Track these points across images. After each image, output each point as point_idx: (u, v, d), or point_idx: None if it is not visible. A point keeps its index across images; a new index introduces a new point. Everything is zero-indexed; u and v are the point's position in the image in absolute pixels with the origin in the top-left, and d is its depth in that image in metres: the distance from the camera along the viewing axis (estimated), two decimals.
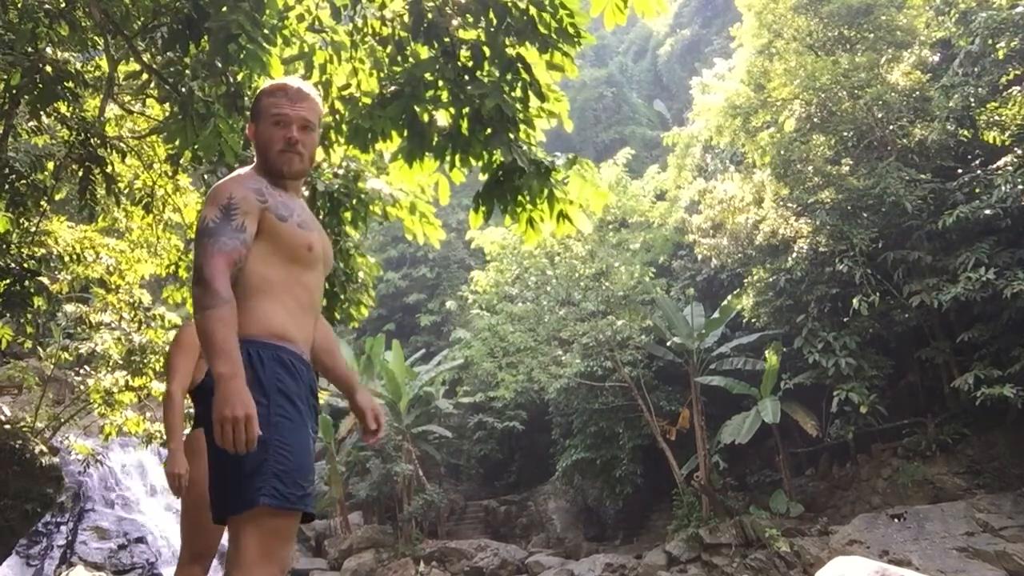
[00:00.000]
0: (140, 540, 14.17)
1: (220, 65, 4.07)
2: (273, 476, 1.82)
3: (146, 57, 4.70)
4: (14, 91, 4.77)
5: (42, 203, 6.41)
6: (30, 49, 4.47)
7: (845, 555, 10.31)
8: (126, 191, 6.94)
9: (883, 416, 15.34)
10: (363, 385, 2.36)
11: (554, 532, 21.60)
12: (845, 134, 16.09)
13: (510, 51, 4.10)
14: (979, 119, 13.84)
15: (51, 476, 8.37)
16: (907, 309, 14.63)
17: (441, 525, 22.76)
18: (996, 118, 13.32)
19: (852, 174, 15.64)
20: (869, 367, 15.03)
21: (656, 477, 18.93)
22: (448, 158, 4.41)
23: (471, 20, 4.12)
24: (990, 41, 13.81)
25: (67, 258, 7.29)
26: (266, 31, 3.96)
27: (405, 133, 4.40)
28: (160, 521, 15.25)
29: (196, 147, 4.42)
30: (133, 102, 6.33)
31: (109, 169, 5.89)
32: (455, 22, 4.18)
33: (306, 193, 5.15)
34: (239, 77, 4.31)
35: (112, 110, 6.39)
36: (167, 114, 4.89)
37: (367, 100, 4.53)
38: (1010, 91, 13.41)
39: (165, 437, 3.34)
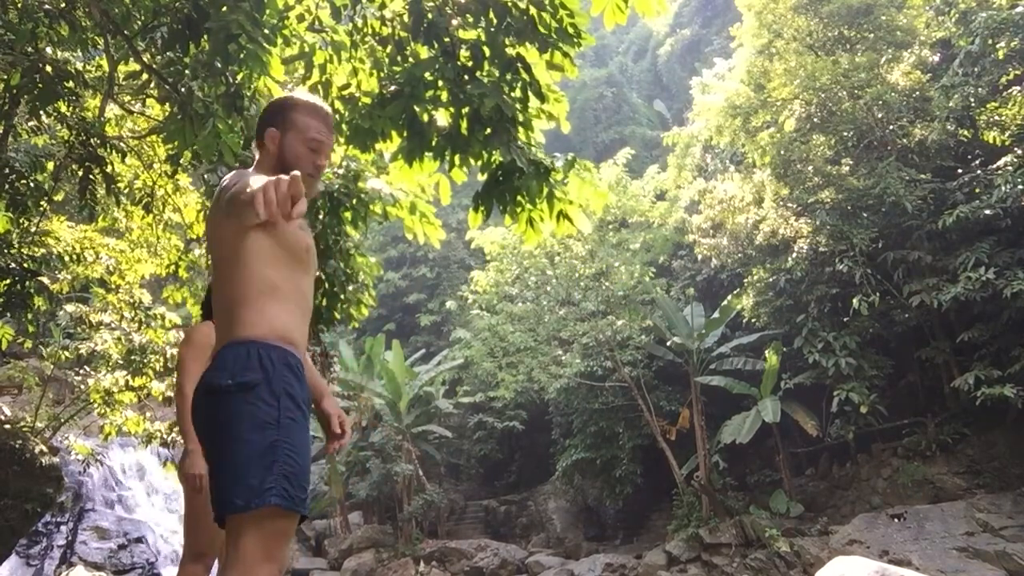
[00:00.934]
0: (140, 540, 14.17)
1: (220, 65, 4.07)
2: (283, 477, 1.82)
3: (146, 57, 4.70)
4: (14, 91, 4.76)
5: (42, 203, 6.40)
6: (30, 49, 4.47)
7: (845, 555, 10.31)
8: (126, 191, 6.94)
9: (883, 416, 15.34)
10: (331, 393, 2.37)
11: (554, 532, 21.61)
12: (845, 134, 16.08)
13: (510, 51, 4.10)
14: (979, 119, 13.84)
15: (51, 476, 8.37)
16: (907, 309, 14.63)
17: (441, 525, 22.77)
18: (996, 118, 13.32)
19: (852, 174, 15.64)
20: (869, 367, 15.03)
21: (656, 477, 18.93)
22: (448, 158, 4.41)
23: (471, 20, 4.12)
24: (990, 41, 13.81)
25: (67, 258, 7.29)
26: (266, 31, 3.96)
27: (405, 133, 4.40)
28: (160, 521, 15.25)
29: (195, 147, 4.42)
30: (133, 102, 6.32)
31: (109, 169, 5.89)
32: (455, 22, 4.18)
33: None
34: (239, 77, 4.31)
35: (112, 110, 6.39)
36: (167, 114, 4.89)
37: (367, 100, 4.53)
38: (1010, 91, 13.41)
39: (181, 438, 3.28)
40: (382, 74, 4.55)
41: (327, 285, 5.89)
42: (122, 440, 13.00)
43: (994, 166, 13.68)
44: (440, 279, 29.15)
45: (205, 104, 4.27)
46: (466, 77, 4.16)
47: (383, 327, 26.87)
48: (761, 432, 16.67)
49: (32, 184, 6.07)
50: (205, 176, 5.62)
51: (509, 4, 3.98)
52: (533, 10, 3.99)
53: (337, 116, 4.63)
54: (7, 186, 5.85)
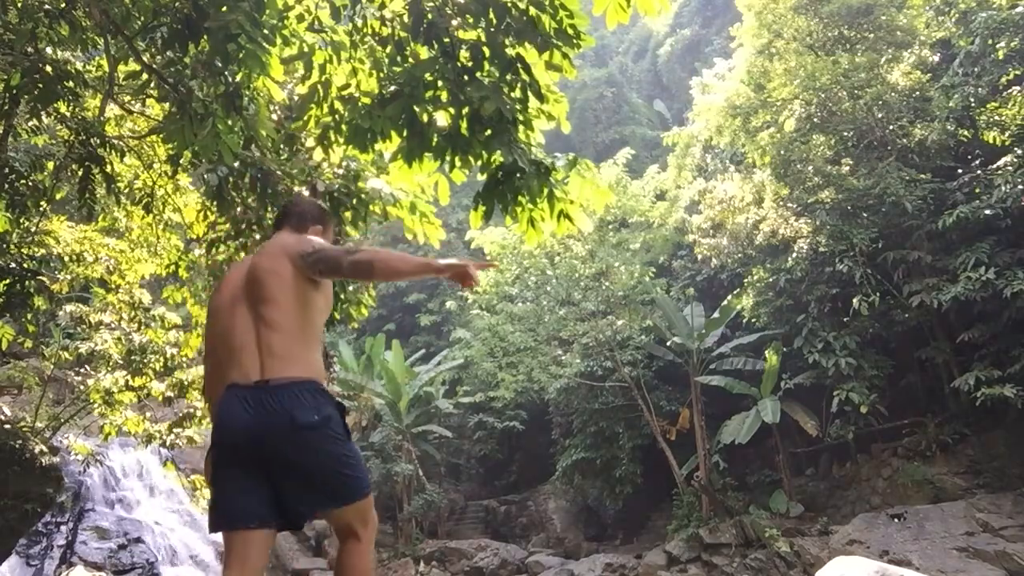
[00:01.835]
0: (140, 540, 14.18)
1: (219, 65, 4.06)
2: (367, 474, 2.62)
3: (146, 57, 4.69)
4: (14, 91, 4.76)
5: (42, 203, 6.40)
6: (30, 49, 4.46)
7: (845, 555, 10.31)
8: (126, 191, 6.92)
9: (883, 416, 15.35)
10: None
11: (554, 532, 21.61)
12: (845, 134, 16.09)
13: (510, 51, 4.09)
14: (979, 119, 13.85)
15: (51, 476, 8.38)
16: (907, 309, 14.63)
17: (441, 525, 22.77)
18: (996, 118, 13.33)
19: (852, 174, 15.65)
20: (869, 367, 15.03)
21: (656, 477, 18.93)
22: (448, 158, 4.40)
23: (471, 20, 4.12)
24: (990, 41, 13.82)
25: (67, 258, 7.29)
26: (266, 31, 3.96)
27: (405, 133, 4.40)
28: (160, 521, 15.25)
29: (195, 147, 4.41)
30: (133, 102, 6.31)
31: (109, 169, 5.87)
32: (455, 22, 4.18)
33: (306, 193, 5.15)
34: (238, 77, 4.30)
35: (112, 110, 6.38)
36: (167, 114, 4.88)
37: (367, 100, 4.53)
38: (1010, 91, 13.42)
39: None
40: (382, 74, 4.55)
41: None
42: (122, 440, 13.01)
43: (994, 166, 13.69)
44: (440, 279, 29.12)
45: (205, 104, 4.27)
46: (466, 78, 4.16)
47: (383, 327, 26.88)
48: (761, 432, 16.68)
49: (32, 184, 6.07)
50: (205, 176, 5.61)
51: (509, 4, 3.98)
52: (533, 10, 3.99)
53: (337, 116, 4.63)
54: (7, 186, 5.84)
